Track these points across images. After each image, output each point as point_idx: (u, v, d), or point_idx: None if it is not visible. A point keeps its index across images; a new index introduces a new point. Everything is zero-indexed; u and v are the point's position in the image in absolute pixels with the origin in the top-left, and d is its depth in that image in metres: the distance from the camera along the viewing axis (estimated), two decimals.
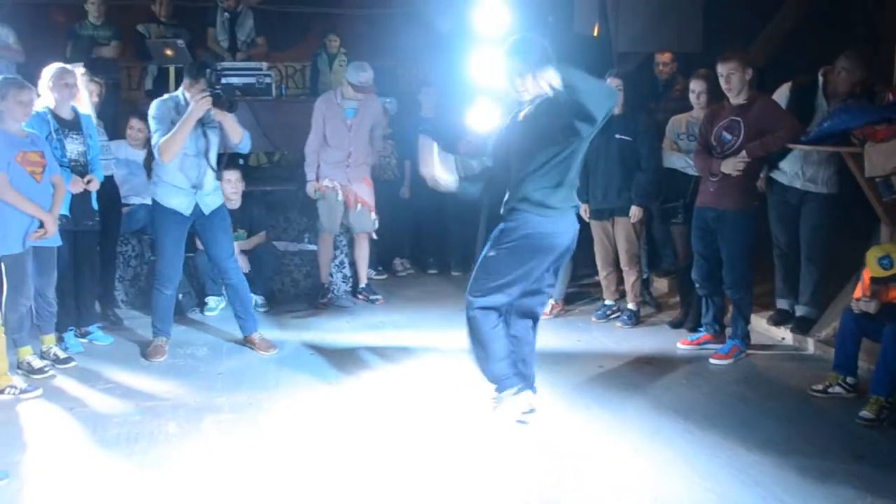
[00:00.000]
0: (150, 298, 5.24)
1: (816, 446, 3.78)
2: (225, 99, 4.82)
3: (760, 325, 5.47)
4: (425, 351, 5.18)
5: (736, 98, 4.81)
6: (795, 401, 4.36)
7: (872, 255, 4.25)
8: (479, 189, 4.08)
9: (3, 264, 4.58)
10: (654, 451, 3.72)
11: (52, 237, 4.68)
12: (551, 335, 5.30)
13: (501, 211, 3.88)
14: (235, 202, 6.17)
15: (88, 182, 5.00)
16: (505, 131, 3.92)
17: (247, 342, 5.25)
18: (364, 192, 6.18)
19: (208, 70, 4.85)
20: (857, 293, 4.33)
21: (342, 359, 5.05)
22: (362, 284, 6.44)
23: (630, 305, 5.76)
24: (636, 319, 5.74)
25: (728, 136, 4.81)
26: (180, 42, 7.26)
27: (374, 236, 6.38)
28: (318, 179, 6.05)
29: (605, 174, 5.55)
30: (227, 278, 5.21)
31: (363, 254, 6.40)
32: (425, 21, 8.75)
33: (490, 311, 3.82)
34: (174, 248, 5.02)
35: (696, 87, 5.30)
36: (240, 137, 4.98)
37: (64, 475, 3.54)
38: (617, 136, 5.41)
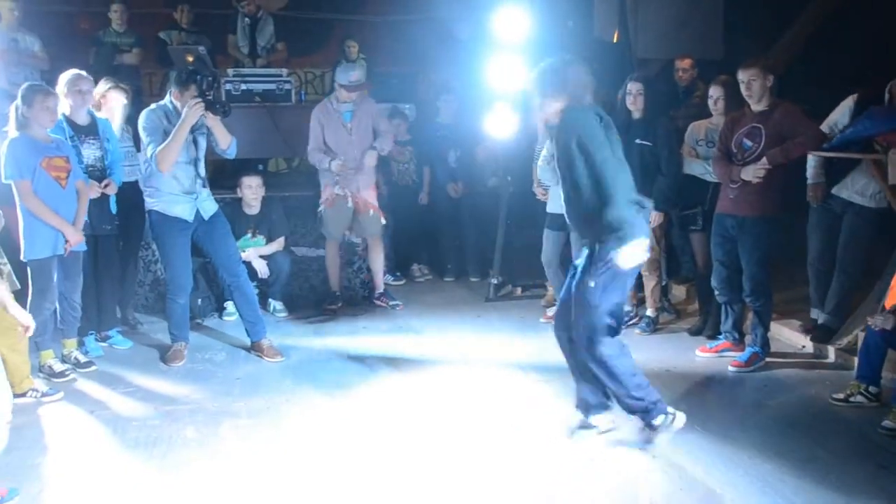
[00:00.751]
0: (165, 307, 5.25)
1: (837, 455, 3.73)
2: (218, 105, 4.83)
3: (780, 333, 5.42)
4: (445, 357, 5.18)
5: (757, 105, 4.78)
6: (816, 409, 4.32)
7: None
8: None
9: (29, 268, 4.64)
10: (673, 458, 3.70)
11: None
12: None
13: (583, 237, 3.83)
14: (255, 207, 6.20)
15: (106, 186, 5.04)
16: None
17: (254, 348, 5.22)
18: (371, 197, 6.21)
19: (199, 77, 4.83)
20: (890, 301, 4.25)
21: (360, 364, 5.06)
22: (379, 290, 6.44)
23: (649, 312, 5.73)
24: (654, 326, 5.72)
25: (749, 143, 4.78)
26: (201, 49, 7.28)
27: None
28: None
29: None
30: (234, 283, 5.18)
31: (378, 258, 6.41)
32: (445, 27, 8.81)
33: (611, 341, 3.72)
34: (182, 257, 5.03)
35: (714, 93, 5.27)
36: (228, 143, 4.97)
37: (84, 478, 3.58)
38: (637, 141, 5.39)
